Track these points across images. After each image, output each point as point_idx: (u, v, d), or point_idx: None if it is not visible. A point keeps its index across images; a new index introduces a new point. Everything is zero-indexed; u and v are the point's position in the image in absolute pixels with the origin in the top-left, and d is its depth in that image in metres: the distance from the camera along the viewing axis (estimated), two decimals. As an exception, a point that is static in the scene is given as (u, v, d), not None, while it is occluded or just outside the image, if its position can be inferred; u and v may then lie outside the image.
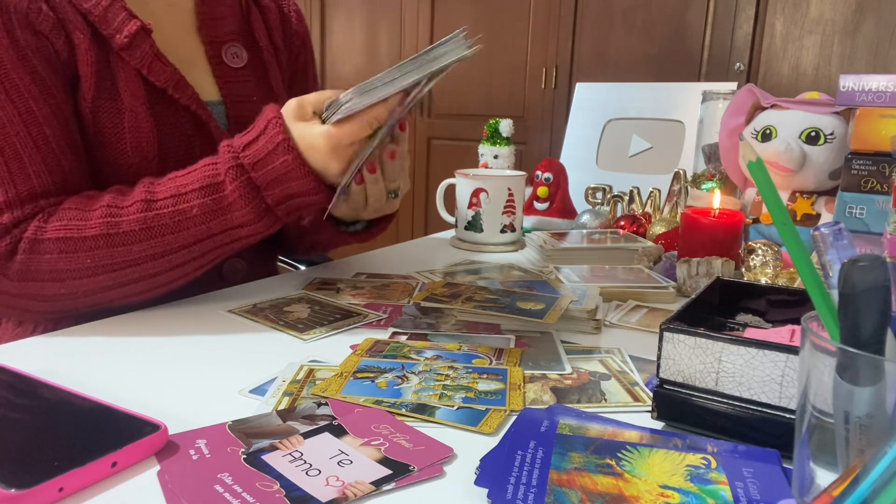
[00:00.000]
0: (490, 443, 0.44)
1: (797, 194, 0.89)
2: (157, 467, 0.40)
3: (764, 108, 0.93)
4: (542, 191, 1.15)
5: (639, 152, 1.36)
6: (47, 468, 0.37)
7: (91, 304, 0.68)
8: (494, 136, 1.39)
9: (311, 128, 0.66)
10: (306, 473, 0.40)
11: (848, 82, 0.78)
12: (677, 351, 0.45)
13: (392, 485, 0.39)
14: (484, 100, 2.92)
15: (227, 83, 0.83)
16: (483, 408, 0.49)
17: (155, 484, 0.39)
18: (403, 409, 0.48)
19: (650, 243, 0.95)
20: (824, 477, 0.34)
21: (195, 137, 0.77)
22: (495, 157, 1.39)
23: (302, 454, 0.42)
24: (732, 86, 1.19)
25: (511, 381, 0.53)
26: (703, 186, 1.00)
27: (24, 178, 0.66)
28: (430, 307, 0.70)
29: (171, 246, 0.66)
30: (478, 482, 0.39)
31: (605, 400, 0.51)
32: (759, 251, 0.76)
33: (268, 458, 0.41)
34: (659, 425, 0.47)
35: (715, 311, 0.56)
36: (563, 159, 1.42)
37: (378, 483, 0.39)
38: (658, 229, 1.02)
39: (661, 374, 0.46)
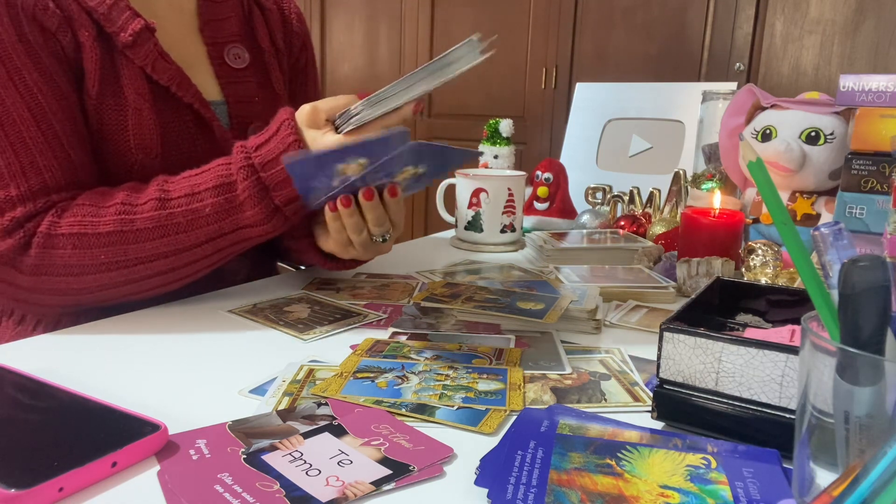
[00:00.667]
0: (490, 443, 0.44)
1: (797, 194, 0.89)
2: (157, 467, 0.40)
3: (764, 108, 0.93)
4: (542, 191, 1.15)
5: (639, 152, 1.36)
6: (47, 468, 0.37)
7: (102, 300, 0.69)
8: (494, 136, 1.39)
9: (324, 137, 0.66)
10: (306, 473, 0.40)
11: (848, 82, 0.78)
12: (677, 351, 0.45)
13: (392, 485, 0.39)
14: (484, 100, 2.92)
15: (229, 84, 0.83)
16: (483, 408, 0.49)
17: (155, 484, 0.39)
18: (403, 409, 0.48)
19: (650, 243, 0.95)
20: (824, 477, 0.34)
21: (198, 135, 0.78)
22: (495, 157, 1.39)
23: (302, 454, 0.42)
24: (732, 86, 1.19)
25: (511, 381, 0.53)
26: (703, 186, 1.00)
27: (36, 172, 0.66)
28: (430, 307, 0.70)
29: (183, 244, 0.66)
30: (478, 482, 0.39)
31: (605, 400, 0.51)
32: (759, 251, 0.76)
33: (268, 458, 0.41)
34: (659, 425, 0.47)
35: (715, 311, 0.56)
36: (563, 159, 1.42)
37: (378, 483, 0.39)
38: (658, 229, 1.02)
39: (661, 374, 0.46)
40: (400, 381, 0.53)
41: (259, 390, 0.51)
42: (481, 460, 0.41)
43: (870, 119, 0.75)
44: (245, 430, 0.45)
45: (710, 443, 0.44)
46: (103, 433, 0.42)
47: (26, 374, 0.50)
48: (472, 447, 0.43)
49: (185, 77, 0.76)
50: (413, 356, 0.58)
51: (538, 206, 1.15)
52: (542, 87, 2.77)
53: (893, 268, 0.33)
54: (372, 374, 0.54)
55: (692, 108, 1.25)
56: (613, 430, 0.45)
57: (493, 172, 1.15)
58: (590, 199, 1.21)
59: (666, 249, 0.93)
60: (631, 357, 0.60)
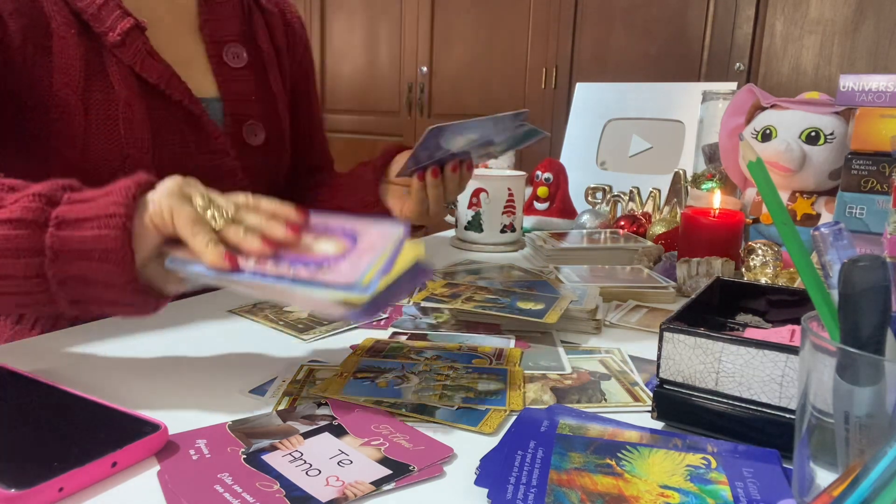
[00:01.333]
0: (490, 443, 0.44)
1: (797, 194, 0.89)
2: (157, 467, 0.40)
3: (764, 108, 0.93)
4: (542, 191, 1.15)
5: (639, 152, 1.36)
6: (47, 468, 0.37)
7: None
8: (494, 136, 1.39)
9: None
10: (306, 473, 0.40)
11: (848, 82, 0.78)
12: (677, 351, 0.45)
13: (392, 485, 0.39)
14: (484, 100, 2.92)
15: (226, 82, 0.83)
16: (483, 408, 0.49)
17: (155, 484, 0.39)
18: (403, 410, 0.48)
19: (650, 243, 0.95)
20: (824, 477, 0.34)
21: (189, 132, 0.78)
22: (505, 152, 1.39)
23: (302, 454, 0.42)
24: (732, 86, 1.19)
25: (511, 381, 0.53)
26: (703, 186, 1.00)
27: None
28: (430, 307, 0.70)
29: None
30: (478, 482, 0.39)
31: (605, 400, 0.51)
32: (759, 251, 0.76)
33: (268, 458, 0.41)
34: (659, 425, 0.47)
35: (715, 311, 0.56)
36: (563, 159, 1.42)
37: (378, 483, 0.39)
38: (658, 229, 1.02)
39: (661, 374, 0.46)
40: (400, 381, 0.53)
41: (259, 390, 0.51)
42: (481, 460, 0.41)
43: (870, 119, 0.75)
44: (245, 430, 0.45)
45: (710, 443, 0.44)
46: (103, 433, 0.42)
47: (26, 374, 0.50)
48: (471, 447, 0.43)
49: (175, 75, 0.76)
50: (413, 356, 0.58)
51: (538, 206, 1.15)
52: (542, 87, 2.77)
53: (893, 268, 0.33)
54: (372, 374, 0.54)
55: (692, 108, 1.25)
56: (613, 430, 0.45)
57: (493, 172, 1.15)
58: (590, 199, 1.21)
59: (666, 249, 0.93)
60: (631, 357, 0.60)
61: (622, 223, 1.08)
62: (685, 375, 0.45)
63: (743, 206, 0.95)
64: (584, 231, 1.06)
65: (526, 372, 0.56)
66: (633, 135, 1.38)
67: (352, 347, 0.60)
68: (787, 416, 0.42)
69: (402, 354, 0.58)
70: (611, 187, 1.21)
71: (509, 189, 1.03)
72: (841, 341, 0.33)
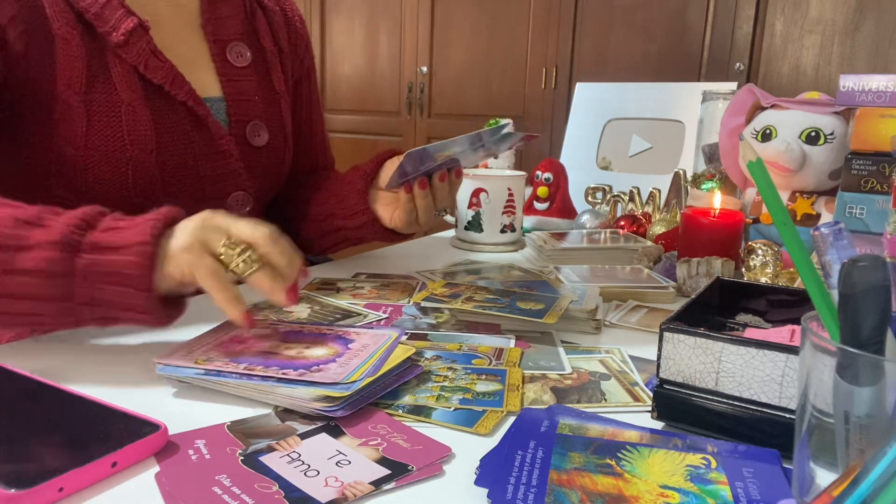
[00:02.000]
0: (489, 443, 0.44)
1: (797, 194, 0.89)
2: (157, 468, 0.40)
3: (764, 108, 0.93)
4: (542, 191, 1.15)
5: (639, 152, 1.36)
6: (47, 468, 0.37)
7: None
8: (494, 136, 1.39)
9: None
10: (305, 474, 0.40)
11: (848, 82, 0.78)
12: (677, 351, 0.45)
13: (392, 484, 0.39)
14: (484, 100, 2.92)
15: (230, 81, 0.83)
16: (480, 409, 0.49)
17: (155, 484, 0.39)
18: (400, 411, 0.48)
19: (650, 243, 0.95)
20: (824, 477, 0.34)
21: (193, 133, 0.78)
22: (495, 157, 1.39)
23: (300, 455, 0.42)
24: (732, 86, 1.19)
25: (510, 382, 0.53)
26: (703, 186, 1.00)
27: None
28: (430, 307, 0.70)
29: None
30: (478, 482, 0.39)
31: (605, 400, 0.51)
32: (759, 251, 0.76)
33: (265, 459, 0.41)
34: (659, 425, 0.47)
35: (715, 311, 0.56)
36: (563, 159, 1.42)
37: (377, 483, 0.39)
38: (658, 229, 1.02)
39: (661, 374, 0.46)
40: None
41: (259, 390, 0.51)
42: (481, 460, 0.41)
43: (870, 119, 0.75)
44: (244, 430, 0.45)
45: (710, 443, 0.44)
46: (103, 433, 0.42)
47: (26, 374, 0.50)
48: (471, 447, 0.43)
49: (179, 75, 0.75)
50: (413, 356, 0.58)
51: (538, 206, 1.15)
52: (542, 87, 2.77)
53: (893, 268, 0.33)
54: (372, 375, 0.54)
55: (692, 108, 1.25)
56: (613, 430, 0.45)
57: (493, 172, 1.15)
58: (590, 199, 1.21)
59: (666, 249, 0.93)
60: (631, 357, 0.60)
61: (622, 223, 1.08)
62: (685, 375, 0.45)
63: (743, 206, 0.95)
64: (584, 231, 1.06)
65: (526, 372, 0.55)
66: (633, 135, 1.38)
67: (352, 347, 0.60)
68: (787, 416, 0.42)
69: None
70: (611, 187, 1.21)
71: (509, 189, 1.03)
72: (841, 341, 0.33)
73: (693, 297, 0.53)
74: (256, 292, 0.78)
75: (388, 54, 3.13)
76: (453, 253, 1.02)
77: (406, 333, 0.59)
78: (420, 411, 0.48)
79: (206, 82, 0.81)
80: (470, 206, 1.03)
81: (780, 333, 0.50)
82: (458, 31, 2.93)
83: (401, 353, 0.53)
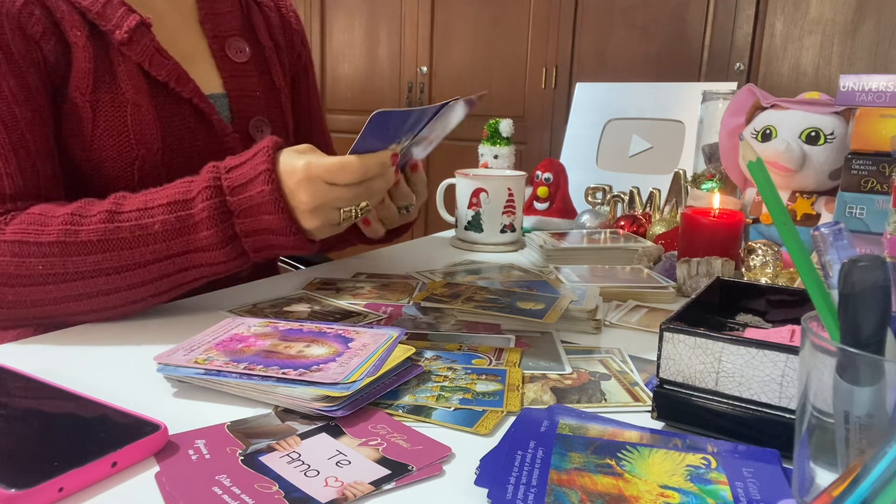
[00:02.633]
0: (489, 443, 0.44)
1: (797, 194, 0.89)
2: (157, 468, 0.40)
3: (764, 108, 0.93)
4: (542, 191, 1.15)
5: (639, 152, 1.36)
6: (47, 468, 0.37)
7: (40, 317, 0.64)
8: (494, 136, 1.39)
9: (297, 157, 0.63)
10: (305, 474, 0.40)
11: (848, 82, 0.78)
12: (677, 351, 0.45)
13: (392, 484, 0.39)
14: (484, 99, 2.92)
15: (231, 77, 0.83)
16: (480, 409, 0.49)
17: (155, 484, 0.39)
18: (400, 411, 0.48)
19: (650, 243, 0.95)
20: (824, 477, 0.34)
21: (198, 130, 0.78)
22: (495, 157, 1.39)
23: (300, 455, 0.42)
24: (732, 86, 1.19)
25: (510, 382, 0.53)
26: (703, 186, 1.00)
27: None
28: (430, 307, 0.70)
29: (126, 262, 0.62)
30: (478, 482, 0.39)
31: (605, 400, 0.51)
32: (759, 251, 0.76)
33: (265, 459, 0.41)
34: (659, 425, 0.47)
35: (715, 311, 0.56)
36: (563, 159, 1.42)
37: (377, 483, 0.39)
38: (658, 229, 1.02)
39: (661, 374, 0.46)
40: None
41: (259, 390, 0.51)
42: (481, 460, 0.41)
43: (870, 119, 0.75)
44: (244, 430, 0.45)
45: (710, 443, 0.44)
46: (103, 433, 0.42)
47: (26, 374, 0.50)
48: (471, 447, 0.43)
49: (183, 72, 0.75)
50: (413, 356, 0.58)
51: (538, 206, 1.15)
52: (542, 87, 2.77)
53: (893, 268, 0.33)
54: (372, 375, 0.54)
55: (692, 108, 1.25)
56: (613, 430, 0.45)
57: (493, 172, 1.15)
58: (590, 199, 1.21)
59: (666, 249, 0.93)
60: (631, 357, 0.60)
61: (622, 223, 1.08)
62: (685, 375, 0.45)
63: (743, 206, 0.95)
64: (584, 231, 1.06)
65: (526, 372, 0.55)
66: (633, 135, 1.38)
67: (352, 347, 0.60)
68: (787, 416, 0.42)
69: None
70: (611, 187, 1.21)
71: (509, 189, 1.03)
72: (841, 341, 0.33)
73: (693, 297, 0.53)
74: (257, 292, 0.78)
75: (388, 54, 3.13)
76: (453, 253, 1.02)
77: (406, 333, 0.59)
78: (420, 411, 0.48)
79: (207, 79, 0.81)
80: (470, 206, 1.03)
81: (780, 333, 0.50)
82: (458, 31, 2.93)
83: (401, 353, 0.53)
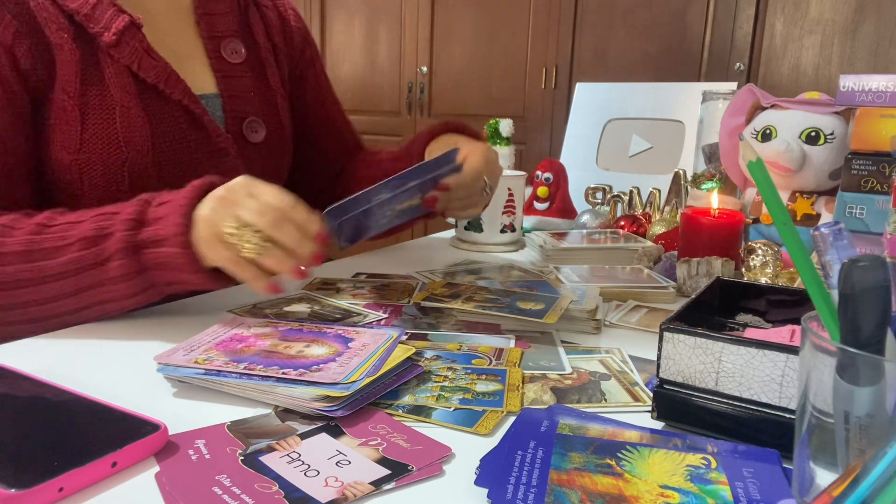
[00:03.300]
0: (489, 443, 0.44)
1: (797, 194, 0.89)
2: (157, 468, 0.40)
3: (764, 108, 0.93)
4: (542, 191, 1.15)
5: (639, 152, 1.36)
6: (47, 468, 0.37)
7: None
8: (494, 136, 1.39)
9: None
10: (305, 474, 0.40)
11: (848, 82, 0.78)
12: (677, 351, 0.45)
13: (392, 484, 0.39)
14: (484, 100, 2.92)
15: (226, 77, 0.83)
16: (480, 409, 0.49)
17: (155, 484, 0.39)
18: (400, 411, 0.48)
19: (650, 243, 0.95)
20: (824, 477, 0.34)
21: (189, 131, 0.77)
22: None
23: (300, 455, 0.42)
24: (732, 86, 1.19)
25: (510, 382, 0.53)
26: (703, 186, 1.00)
27: None
28: (430, 307, 0.70)
29: (45, 272, 0.60)
30: (478, 482, 0.39)
31: (605, 400, 0.51)
32: (759, 251, 0.76)
33: (265, 459, 0.41)
34: (659, 425, 0.47)
35: (715, 311, 0.56)
36: (563, 159, 1.42)
37: (377, 483, 0.39)
38: (658, 229, 1.02)
39: (661, 374, 0.46)
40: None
41: (259, 390, 0.51)
42: (481, 460, 0.41)
43: (870, 119, 0.75)
44: (244, 430, 0.45)
45: (710, 443, 0.44)
46: (103, 433, 0.42)
47: (26, 374, 0.50)
48: (471, 447, 0.43)
49: (174, 73, 0.75)
50: (413, 356, 0.58)
51: (538, 206, 1.15)
52: (542, 87, 2.77)
53: (893, 268, 0.33)
54: (372, 375, 0.54)
55: (692, 108, 1.25)
56: (613, 430, 0.45)
57: (493, 172, 1.15)
58: (590, 199, 1.21)
59: (666, 249, 0.93)
60: (631, 357, 0.60)
61: (622, 223, 1.08)
62: (685, 375, 0.45)
63: (743, 206, 0.95)
64: (584, 231, 1.06)
65: (526, 372, 0.55)
66: (633, 135, 1.38)
67: (352, 347, 0.60)
68: (787, 416, 0.42)
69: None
70: (611, 187, 1.21)
71: (509, 189, 1.03)
72: (841, 341, 0.33)
73: (693, 297, 0.53)
74: (257, 293, 0.78)
75: (387, 54, 3.13)
76: (453, 253, 1.02)
77: (406, 333, 0.59)
78: (420, 411, 0.48)
79: (201, 79, 0.81)
80: (470, 206, 1.03)
81: (780, 333, 0.50)
82: (458, 31, 2.93)
83: (401, 353, 0.53)
